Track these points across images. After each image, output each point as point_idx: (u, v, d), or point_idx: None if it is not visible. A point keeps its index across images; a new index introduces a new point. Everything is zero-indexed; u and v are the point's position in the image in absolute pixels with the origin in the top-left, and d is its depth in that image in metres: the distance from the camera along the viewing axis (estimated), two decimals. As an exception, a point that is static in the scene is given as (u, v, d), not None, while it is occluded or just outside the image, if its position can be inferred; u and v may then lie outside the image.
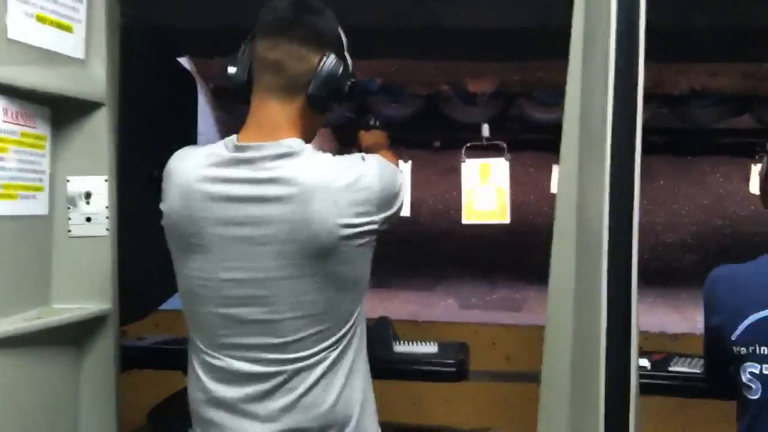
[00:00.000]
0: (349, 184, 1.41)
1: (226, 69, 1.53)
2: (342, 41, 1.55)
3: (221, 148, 1.46)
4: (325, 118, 1.58)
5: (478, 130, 3.21)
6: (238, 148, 1.44)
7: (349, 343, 1.51)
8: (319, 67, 1.47)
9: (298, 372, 1.45)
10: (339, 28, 1.55)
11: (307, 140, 1.50)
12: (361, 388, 1.54)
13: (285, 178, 1.40)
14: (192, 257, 1.46)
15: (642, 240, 1.44)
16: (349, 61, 1.55)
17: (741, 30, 2.52)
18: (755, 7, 2.31)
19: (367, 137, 2.02)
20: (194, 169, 1.46)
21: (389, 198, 1.48)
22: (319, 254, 1.40)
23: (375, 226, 1.45)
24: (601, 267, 1.45)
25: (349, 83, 1.53)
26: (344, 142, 2.13)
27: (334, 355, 1.48)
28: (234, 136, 1.48)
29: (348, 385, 1.50)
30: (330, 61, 1.47)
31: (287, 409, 1.46)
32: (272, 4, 1.50)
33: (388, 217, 1.49)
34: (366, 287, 1.53)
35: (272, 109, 1.48)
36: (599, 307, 1.45)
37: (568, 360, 1.64)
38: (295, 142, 1.45)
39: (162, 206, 1.50)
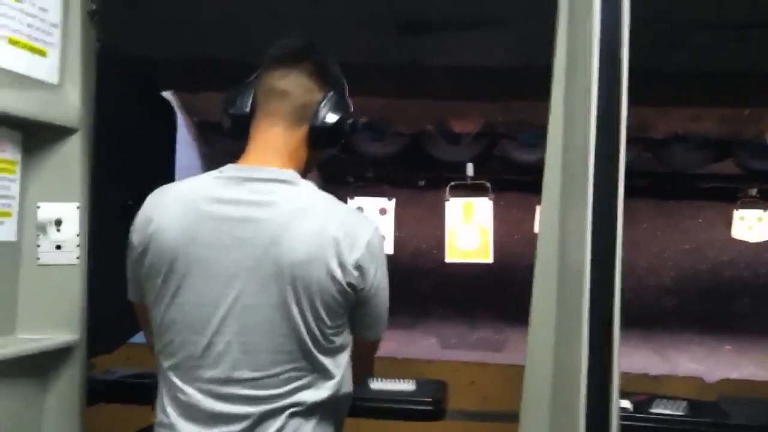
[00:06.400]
0: (346, 232, 1.42)
1: (227, 99, 1.57)
2: (344, 86, 1.61)
3: (215, 174, 1.48)
4: (320, 157, 1.61)
5: (463, 169, 3.21)
6: (235, 173, 1.46)
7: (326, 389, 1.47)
8: (324, 101, 1.53)
9: (266, 415, 1.41)
10: (341, 75, 1.61)
11: (303, 175, 1.52)
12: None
13: (271, 201, 1.42)
14: (179, 284, 1.43)
15: (624, 282, 1.42)
16: (350, 104, 1.61)
17: (722, 74, 2.54)
18: (735, 50, 2.33)
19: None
20: (189, 194, 1.46)
21: (373, 259, 1.46)
22: (301, 285, 1.39)
23: (353, 280, 1.42)
24: (583, 307, 1.42)
25: (349, 122, 1.58)
26: None
27: (305, 397, 1.44)
28: (231, 165, 1.50)
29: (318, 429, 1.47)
30: (335, 98, 1.54)
31: None
32: (283, 41, 1.57)
33: (358, 280, 1.44)
34: (347, 351, 1.51)
35: (275, 135, 1.51)
36: (580, 348, 1.41)
37: (547, 400, 1.60)
38: (291, 175, 1.48)
39: (138, 238, 1.47)
